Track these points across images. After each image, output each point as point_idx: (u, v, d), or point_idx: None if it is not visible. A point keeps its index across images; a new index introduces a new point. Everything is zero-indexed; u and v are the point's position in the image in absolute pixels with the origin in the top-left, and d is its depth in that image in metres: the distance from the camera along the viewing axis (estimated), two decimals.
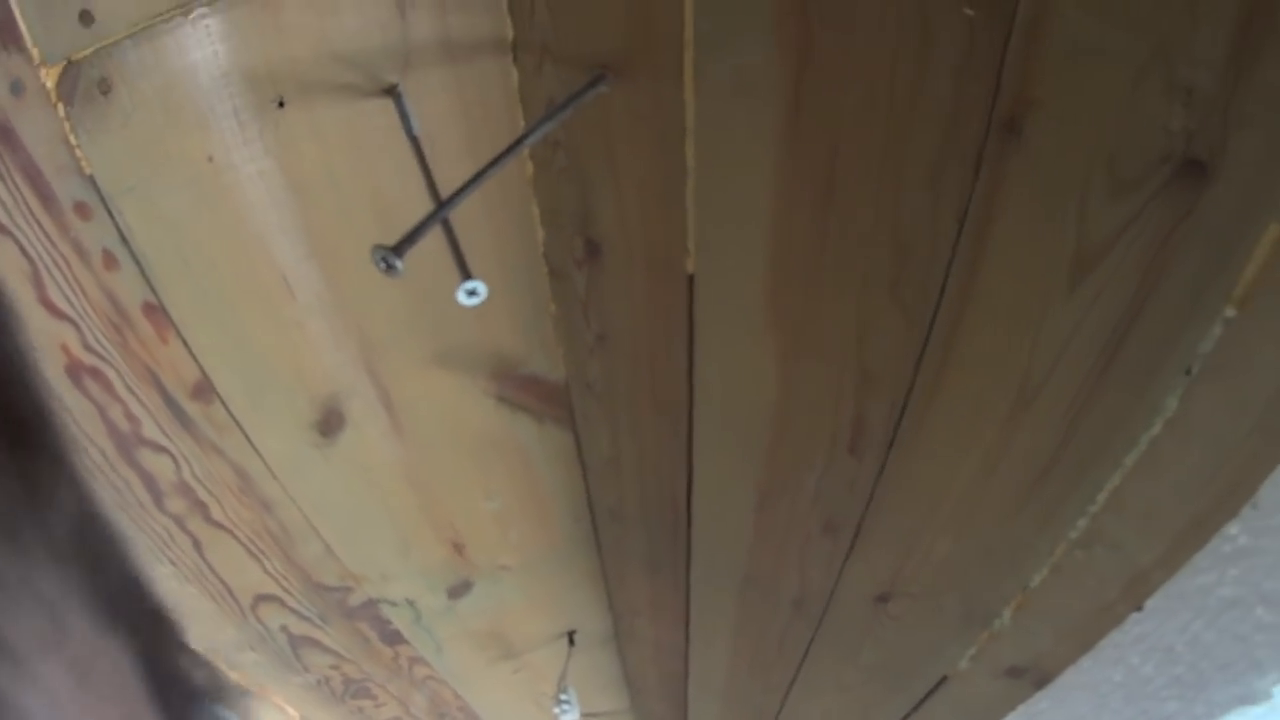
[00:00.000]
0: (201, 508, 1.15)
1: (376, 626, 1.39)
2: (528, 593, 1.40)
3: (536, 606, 1.45)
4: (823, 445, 1.02)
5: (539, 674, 1.62)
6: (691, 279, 0.92)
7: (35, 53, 0.71)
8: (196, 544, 1.19)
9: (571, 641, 1.52)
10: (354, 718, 1.66)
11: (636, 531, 1.29)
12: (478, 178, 0.73)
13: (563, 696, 1.49)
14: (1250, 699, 0.78)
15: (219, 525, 1.18)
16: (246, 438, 1.08)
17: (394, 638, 1.44)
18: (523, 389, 1.10)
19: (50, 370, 0.92)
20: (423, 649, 1.47)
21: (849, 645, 1.38)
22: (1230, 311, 0.66)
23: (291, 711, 1.59)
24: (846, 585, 1.23)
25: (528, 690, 1.67)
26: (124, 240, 0.85)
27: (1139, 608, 0.88)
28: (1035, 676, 1.11)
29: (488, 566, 1.33)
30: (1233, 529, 0.74)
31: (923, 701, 1.40)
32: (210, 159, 0.84)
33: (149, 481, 1.08)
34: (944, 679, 1.31)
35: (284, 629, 1.36)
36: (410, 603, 1.36)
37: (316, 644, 1.40)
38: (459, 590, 1.35)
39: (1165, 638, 0.86)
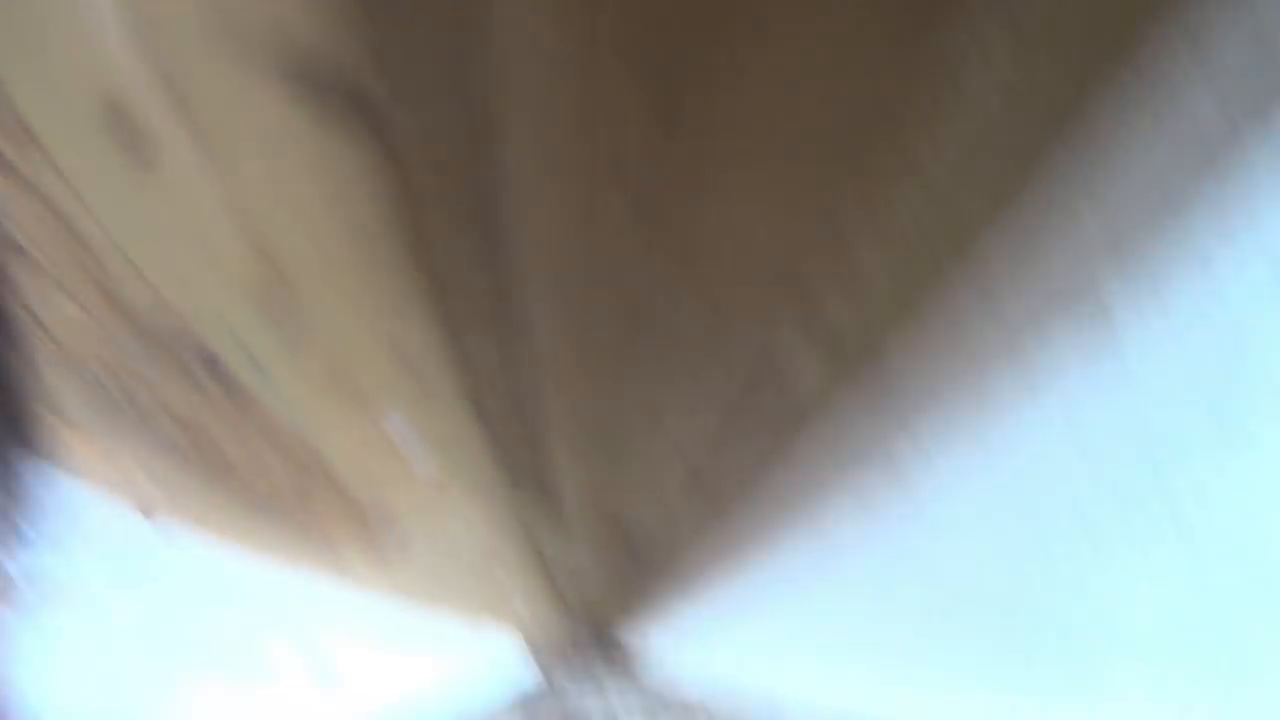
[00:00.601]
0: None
1: (211, 371, 1.38)
2: (359, 326, 1.41)
3: (372, 341, 1.45)
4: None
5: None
6: None
7: None
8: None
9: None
10: (214, 483, 1.67)
11: (459, 241, 1.28)
12: None
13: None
14: None
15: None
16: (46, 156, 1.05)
17: (233, 388, 1.43)
18: (327, 89, 1.07)
19: None
20: (262, 395, 1.47)
21: None
22: None
23: (141, 476, 1.59)
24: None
25: (384, 441, 1.69)
26: None
27: None
28: None
29: (314, 298, 1.32)
30: None
31: None
32: None
33: None
34: None
35: (115, 378, 1.34)
36: (240, 342, 1.35)
37: (154, 393, 1.40)
38: (287, 324, 1.34)
39: None
